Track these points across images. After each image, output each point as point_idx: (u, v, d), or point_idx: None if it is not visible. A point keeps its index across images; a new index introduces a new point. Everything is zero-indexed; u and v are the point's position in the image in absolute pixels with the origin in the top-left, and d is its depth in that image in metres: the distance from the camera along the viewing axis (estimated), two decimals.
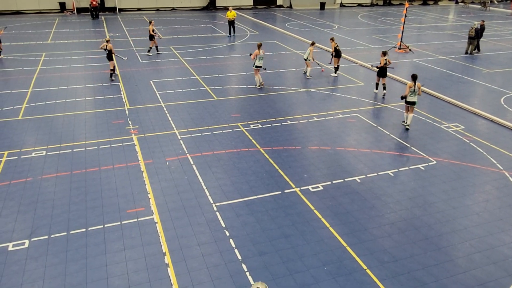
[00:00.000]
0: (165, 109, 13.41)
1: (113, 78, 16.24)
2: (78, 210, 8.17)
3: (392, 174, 9.81)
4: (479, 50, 22.20)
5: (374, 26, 30.41)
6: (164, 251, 7.13)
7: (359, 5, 42.05)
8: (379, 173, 9.84)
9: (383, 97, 15.04)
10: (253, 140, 11.30)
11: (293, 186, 9.18)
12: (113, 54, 15.99)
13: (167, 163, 10.03)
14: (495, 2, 46.00)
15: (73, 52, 20.43)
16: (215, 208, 8.35)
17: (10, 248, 7.12)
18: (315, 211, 8.34)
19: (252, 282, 6.51)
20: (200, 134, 11.65)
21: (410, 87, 11.83)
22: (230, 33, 25.46)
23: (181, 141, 11.19)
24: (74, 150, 10.60)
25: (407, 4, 22.67)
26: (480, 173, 10.01)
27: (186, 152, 10.59)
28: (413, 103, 11.99)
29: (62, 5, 32.48)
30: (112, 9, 33.67)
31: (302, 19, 33.04)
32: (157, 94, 14.74)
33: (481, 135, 12.06)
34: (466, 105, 14.22)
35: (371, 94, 15.31)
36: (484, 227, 8.02)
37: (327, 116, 13.11)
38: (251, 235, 7.58)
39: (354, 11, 38.29)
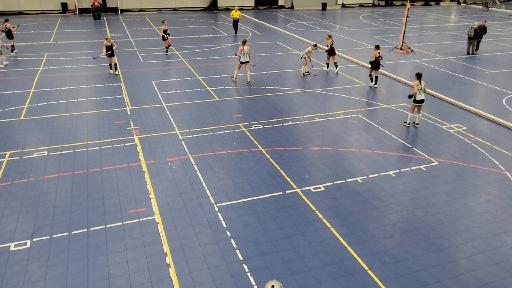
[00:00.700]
0: (166, 109, 13.43)
1: (113, 72, 17.03)
2: (80, 211, 8.19)
3: (393, 175, 9.81)
4: (477, 49, 22.15)
5: (375, 27, 30.39)
6: (165, 252, 7.14)
7: (361, 5, 42.04)
8: (381, 174, 9.83)
9: (375, 87, 15.88)
10: (254, 141, 11.30)
11: (295, 187, 9.18)
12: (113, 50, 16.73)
13: (169, 164, 10.04)
14: (497, 2, 45.93)
15: (75, 53, 20.47)
16: (216, 209, 8.36)
17: (12, 248, 7.14)
18: (317, 211, 8.34)
19: (253, 282, 6.51)
20: (202, 134, 11.66)
21: (417, 85, 11.99)
22: (236, 33, 25.92)
23: (183, 142, 11.20)
24: (76, 150, 10.62)
25: (408, 5, 22.66)
26: (482, 174, 9.99)
27: (188, 153, 10.60)
28: (422, 100, 12.20)
29: (64, 6, 32.56)
30: (114, 10, 33.74)
31: (304, 19, 33.04)
32: (159, 95, 14.76)
33: (483, 135, 12.04)
34: (468, 105, 14.20)
35: (373, 95, 15.30)
36: (486, 228, 8.00)
37: (329, 117, 13.10)
38: (252, 236, 7.59)
39: (355, 12, 38.28)
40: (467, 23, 32.78)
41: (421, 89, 12.02)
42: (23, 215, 8.03)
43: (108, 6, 33.53)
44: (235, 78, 16.46)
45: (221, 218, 8.06)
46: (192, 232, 7.66)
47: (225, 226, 7.84)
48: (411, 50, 22.03)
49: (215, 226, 7.84)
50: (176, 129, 11.98)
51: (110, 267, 6.76)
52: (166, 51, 20.47)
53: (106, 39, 16.50)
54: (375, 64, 15.56)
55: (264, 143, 11.18)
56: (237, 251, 7.20)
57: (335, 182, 9.42)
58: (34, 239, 7.37)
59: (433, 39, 26.17)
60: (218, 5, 36.75)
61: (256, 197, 8.76)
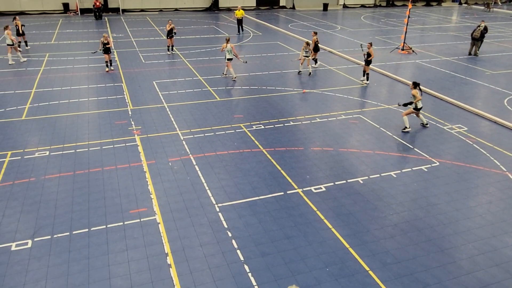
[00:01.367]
0: (168, 109, 13.43)
1: (108, 69, 17.41)
2: (81, 211, 8.19)
3: (394, 176, 9.80)
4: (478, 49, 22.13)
5: (377, 27, 30.37)
6: (166, 252, 7.14)
7: (362, 6, 42.03)
8: (382, 175, 9.82)
9: (365, 83, 16.52)
10: (255, 141, 11.30)
11: (296, 187, 9.17)
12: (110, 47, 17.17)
13: (170, 164, 10.04)
14: (499, 3, 45.87)
15: (76, 53, 20.50)
16: (217, 209, 8.36)
17: (13, 248, 7.15)
18: (318, 212, 8.34)
19: (254, 283, 6.51)
20: (203, 135, 11.67)
21: (418, 94, 12.01)
22: (239, 31, 26.39)
23: (184, 142, 11.20)
24: (77, 150, 10.63)
25: (410, 5, 22.65)
26: (483, 174, 9.97)
27: (189, 153, 10.60)
28: (421, 108, 12.35)
29: (66, 6, 32.62)
30: (116, 10, 33.78)
31: (305, 20, 33.04)
32: (160, 95, 14.76)
33: (484, 136, 12.02)
34: (469, 106, 14.18)
35: (374, 95, 15.30)
36: (487, 229, 7.99)
37: (330, 117, 13.10)
38: (253, 236, 7.58)
39: (357, 12, 38.27)
40: (469, 23, 32.75)
41: (421, 96, 12.15)
42: (24, 215, 8.04)
43: (109, 6, 33.58)
44: (234, 78, 16.63)
45: (222, 219, 8.06)
46: (193, 232, 7.66)
47: (226, 226, 7.84)
48: (413, 51, 22.01)
49: (216, 226, 7.84)
50: (177, 129, 11.98)
51: (111, 267, 6.77)
52: (168, 50, 20.63)
53: (104, 36, 16.93)
54: (367, 60, 16.17)
55: (265, 143, 11.18)
56: (238, 251, 7.20)
57: (336, 183, 9.41)
58: (35, 239, 7.38)
59: (435, 39, 26.15)
60: (220, 6, 36.77)
61: (257, 198, 8.76)
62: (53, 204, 8.36)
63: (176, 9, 35.96)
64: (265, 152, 10.71)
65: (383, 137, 11.79)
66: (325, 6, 38.65)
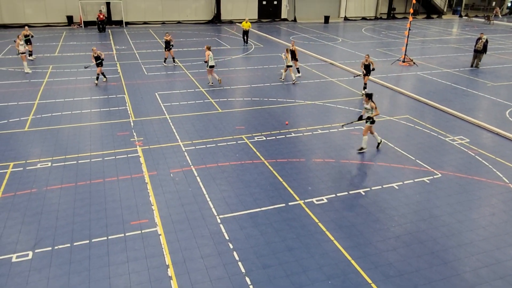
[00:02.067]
0: (170, 121, 13.48)
1: (98, 82, 17.43)
2: (82, 222, 8.18)
3: (397, 187, 9.76)
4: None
5: (378, 40, 30.58)
6: (167, 264, 7.10)
7: (363, 18, 42.40)
8: (384, 186, 9.79)
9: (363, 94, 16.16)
10: (257, 152, 11.31)
11: (297, 199, 9.15)
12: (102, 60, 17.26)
13: (171, 175, 10.04)
14: (499, 15, 46.22)
15: (79, 65, 20.67)
16: (219, 220, 8.33)
17: (13, 260, 7.12)
18: (320, 224, 8.29)
19: None
20: (205, 146, 11.68)
21: (374, 107, 11.03)
22: (245, 42, 26.96)
23: (186, 153, 11.21)
24: (79, 161, 10.65)
25: (410, 18, 22.84)
26: (485, 186, 9.93)
27: (191, 164, 10.61)
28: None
29: (70, 19, 33.01)
30: (119, 23, 34.16)
31: (306, 32, 33.31)
32: (162, 106, 14.84)
33: (487, 148, 12.00)
34: (471, 118, 14.19)
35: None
36: (491, 241, 7.93)
37: (331, 129, 13.12)
38: (255, 248, 7.54)
39: (358, 25, 38.58)
40: (469, 36, 32.95)
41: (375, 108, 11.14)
42: (25, 226, 8.02)
43: (113, 19, 33.97)
44: (211, 83, 17.49)
45: (223, 230, 8.02)
46: (194, 244, 7.62)
47: (227, 238, 7.81)
48: (414, 63, 22.12)
49: (217, 238, 7.80)
50: (179, 140, 12.01)
51: (111, 279, 6.72)
52: (164, 62, 20.98)
53: (93, 50, 17.14)
54: (367, 70, 16.19)
55: (266, 154, 11.18)
56: (240, 263, 7.15)
57: (338, 194, 9.38)
58: (36, 250, 7.35)
59: (436, 51, 26.29)
60: (222, 18, 37.14)
61: (259, 209, 8.73)
62: (55, 215, 8.35)
63: (178, 22, 36.33)
64: (267, 164, 10.70)
65: (385, 149, 11.78)
66: (326, 19, 39.01)
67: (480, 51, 21.53)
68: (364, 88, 16.51)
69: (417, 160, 11.13)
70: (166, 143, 11.79)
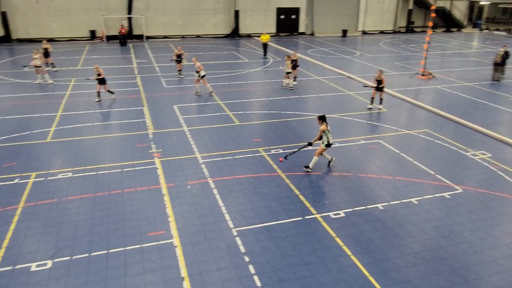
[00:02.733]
0: (187, 133, 13.62)
1: (98, 99, 17.16)
2: (100, 232, 8.28)
3: (416, 202, 9.58)
4: (503, 74, 21.82)
5: (396, 53, 30.41)
6: (183, 276, 7.10)
7: (381, 32, 42.29)
8: (403, 201, 9.62)
9: (373, 107, 16.41)
10: (274, 165, 11.29)
11: (314, 212, 9.06)
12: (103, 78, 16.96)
13: (189, 187, 10.10)
14: None
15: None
16: (235, 233, 8.31)
17: (33, 269, 7.24)
18: (337, 238, 8.18)
19: None
20: (222, 158, 11.74)
21: (325, 130, 10.55)
22: (264, 55, 27.48)
23: (203, 165, 11.28)
24: (99, 172, 10.83)
25: (429, 31, 22.67)
26: (508, 202, 9.65)
27: (207, 176, 10.66)
28: (332, 144, 10.80)
29: (93, 33, 33.97)
30: (140, 37, 34.94)
31: (324, 46, 33.39)
32: (181, 119, 15.02)
33: (509, 163, 11.69)
34: (493, 132, 13.88)
35: (393, 121, 15.16)
36: None
37: (349, 142, 13.02)
38: (271, 262, 7.48)
39: (376, 38, 38.49)
40: (490, 49, 32.45)
41: (329, 131, 10.66)
42: (45, 235, 8.16)
43: (134, 33, 34.79)
44: (199, 92, 18.19)
45: (239, 243, 8.00)
46: (210, 256, 7.61)
47: (243, 251, 7.77)
48: (433, 76, 21.87)
49: (233, 251, 7.77)
50: (197, 152, 12.11)
51: None
52: (180, 74, 21.62)
53: (95, 67, 16.73)
54: (379, 87, 16.09)
55: (283, 167, 11.15)
56: (255, 277, 7.10)
57: (355, 209, 9.26)
58: (54, 260, 7.46)
59: (456, 65, 25.96)
60: (240, 32, 37.61)
61: (275, 222, 8.68)
62: (74, 225, 8.48)
63: (198, 36, 36.93)
64: (283, 177, 10.67)
65: (403, 163, 11.61)
66: (344, 32, 39.07)
67: (499, 64, 21.17)
68: (371, 102, 16.40)
69: (437, 175, 10.92)
70: (184, 155, 11.90)
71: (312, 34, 40.01)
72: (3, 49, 29.60)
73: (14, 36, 32.26)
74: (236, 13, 36.78)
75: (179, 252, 7.72)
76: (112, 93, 17.61)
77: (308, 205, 9.36)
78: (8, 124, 14.30)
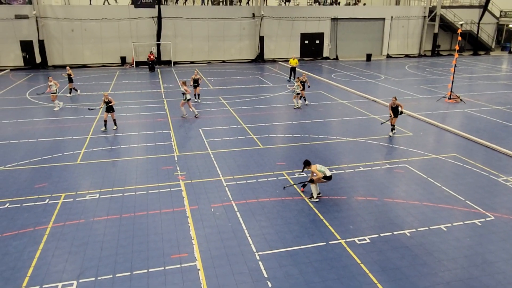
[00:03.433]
0: (212, 156, 13.77)
1: (104, 129, 16.58)
2: (125, 253, 8.37)
3: (445, 229, 9.26)
4: None
5: (422, 77, 30.09)
6: None
7: (406, 56, 42.04)
8: (431, 228, 9.32)
9: (391, 134, 15.89)
10: (297, 189, 11.22)
11: (339, 238, 8.89)
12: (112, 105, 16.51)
13: (212, 210, 10.14)
14: None
15: (129, 102, 21.85)
16: (257, 257, 8.23)
17: None
18: (362, 265, 7.97)
19: None
20: (245, 181, 11.77)
21: (317, 170, 10.35)
22: (290, 78, 28.27)
23: (226, 188, 11.33)
24: (125, 194, 11.05)
25: (456, 54, 22.39)
26: None
27: (231, 199, 10.68)
28: (330, 176, 10.55)
29: (123, 59, 35.28)
30: (167, 62, 36.02)
31: (348, 70, 33.44)
32: (205, 142, 15.23)
33: None
34: None
35: (420, 145, 14.87)
36: None
37: (374, 166, 12.82)
38: (294, 287, 7.34)
39: (401, 62, 38.26)
40: None
41: (321, 166, 10.60)
42: (72, 255, 8.32)
43: (162, 59, 35.92)
44: (186, 114, 18.63)
45: (262, 267, 7.91)
46: (233, 280, 7.54)
47: (266, 276, 7.67)
48: (460, 100, 21.45)
49: (256, 275, 7.69)
50: (221, 175, 12.19)
51: None
52: (197, 98, 22.02)
53: (104, 95, 16.36)
54: (395, 112, 15.58)
55: (307, 191, 11.05)
56: None
57: (381, 234, 9.03)
58: (80, 280, 7.57)
59: (484, 88, 25.40)
60: (265, 57, 38.20)
61: (298, 247, 8.56)
62: (99, 246, 8.62)
63: (223, 61, 37.74)
64: (307, 201, 10.57)
65: (431, 188, 11.31)
66: (369, 56, 39.06)
67: None
68: (392, 130, 15.88)
69: (466, 201, 10.57)
70: (208, 178, 12.00)
71: (336, 58, 40.20)
72: (39, 74, 31.09)
73: (50, 62, 33.90)
74: (261, 38, 37.49)
75: (201, 275, 7.70)
76: (115, 124, 16.92)
77: (332, 230, 9.21)
78: (41, 146, 14.87)
